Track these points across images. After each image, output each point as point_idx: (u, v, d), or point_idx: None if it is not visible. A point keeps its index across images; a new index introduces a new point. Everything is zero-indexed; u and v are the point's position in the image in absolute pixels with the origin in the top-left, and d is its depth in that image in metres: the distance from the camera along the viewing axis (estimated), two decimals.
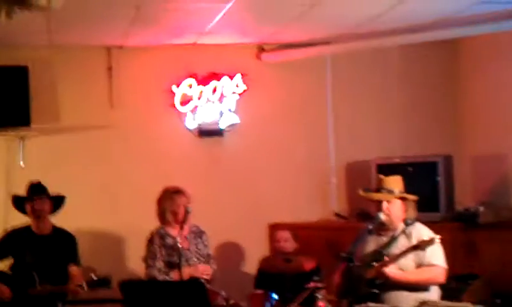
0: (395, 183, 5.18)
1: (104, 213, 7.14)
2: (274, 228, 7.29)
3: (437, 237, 4.94)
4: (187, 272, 5.85)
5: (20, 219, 6.26)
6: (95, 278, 5.76)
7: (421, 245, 4.92)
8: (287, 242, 6.72)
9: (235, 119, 7.43)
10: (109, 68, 7.24)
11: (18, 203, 6.19)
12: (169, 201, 6.13)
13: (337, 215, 7.57)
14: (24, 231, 6.14)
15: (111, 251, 7.14)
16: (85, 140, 7.16)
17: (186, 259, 5.96)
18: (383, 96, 7.72)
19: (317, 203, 7.63)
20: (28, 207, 6.10)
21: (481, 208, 6.54)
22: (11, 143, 7.02)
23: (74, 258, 6.15)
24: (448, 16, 6.40)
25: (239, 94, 7.41)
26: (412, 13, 6.28)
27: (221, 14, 6.08)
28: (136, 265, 6.63)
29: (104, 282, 5.77)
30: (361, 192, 5.33)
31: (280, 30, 6.86)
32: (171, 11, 5.95)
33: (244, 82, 7.40)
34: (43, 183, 6.18)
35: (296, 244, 6.75)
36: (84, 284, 5.76)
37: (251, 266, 7.19)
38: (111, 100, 7.24)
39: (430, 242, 4.88)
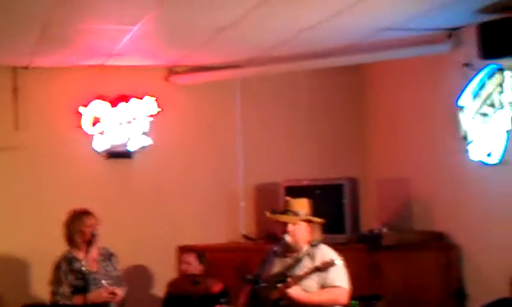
0: (301, 205, 5.25)
1: (9, 237, 6.98)
2: (183, 250, 7.28)
3: (338, 259, 5.04)
4: (91, 297, 5.77)
5: None
6: None
7: (323, 267, 5.00)
8: (192, 265, 6.73)
9: (147, 141, 7.40)
10: (15, 89, 7.11)
11: None
12: (77, 222, 6.05)
13: (245, 237, 7.62)
14: None
15: (16, 275, 7.00)
16: None
17: (95, 282, 5.89)
18: (291, 119, 7.84)
19: (226, 224, 7.67)
20: None
21: (385, 230, 6.69)
22: None
23: None
24: (354, 42, 6.56)
25: (149, 117, 7.39)
26: (318, 39, 6.40)
27: (129, 36, 6.06)
28: (41, 290, 6.49)
29: None
30: (268, 214, 5.39)
31: (189, 53, 6.89)
32: (79, 31, 5.88)
33: (156, 104, 7.39)
34: None
35: (201, 266, 6.76)
36: None
37: (159, 288, 7.16)
38: (17, 121, 7.10)
39: (331, 263, 4.98)
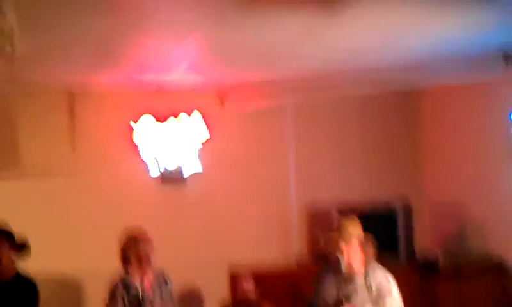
0: (353, 226, 5.23)
1: (65, 260, 7.05)
2: (235, 272, 7.29)
3: (393, 283, 5.00)
4: None
5: None
6: None
7: (379, 290, 4.96)
8: (250, 291, 6.73)
9: (199, 165, 7.44)
10: (71, 111, 7.23)
11: None
12: (133, 248, 6.05)
13: (297, 258, 7.60)
14: None
15: (72, 297, 7.09)
16: (46, 184, 7.10)
17: (150, 305, 5.91)
18: (343, 142, 7.83)
19: (279, 246, 7.67)
20: None
21: (440, 256, 6.60)
22: None
23: (34, 305, 6.05)
24: (407, 66, 6.53)
25: (202, 140, 7.43)
26: (372, 62, 6.38)
27: (183, 60, 6.13)
28: None
29: None
30: (320, 236, 5.38)
31: (241, 79, 6.94)
32: (132, 52, 5.96)
33: (207, 129, 7.43)
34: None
35: (256, 290, 6.75)
36: None
37: None
38: (73, 144, 7.22)
39: (388, 292, 4.94)
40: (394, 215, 7.01)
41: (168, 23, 5.21)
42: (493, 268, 6.45)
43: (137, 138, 7.21)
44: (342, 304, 5.07)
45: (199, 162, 7.38)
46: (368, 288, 5.07)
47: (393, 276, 5.11)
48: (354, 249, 5.17)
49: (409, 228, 7.08)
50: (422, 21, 5.17)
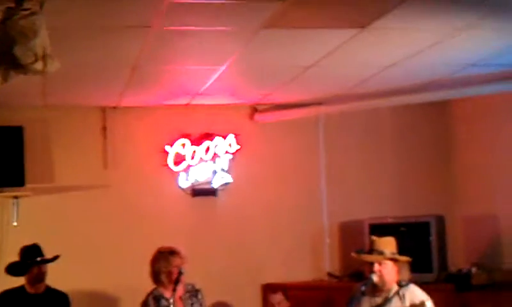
0: (387, 244, 5.17)
1: (97, 273, 7.11)
2: (267, 287, 7.27)
3: (429, 300, 4.94)
4: None
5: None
6: None
7: None
8: (281, 305, 6.71)
9: (228, 178, 7.47)
10: (104, 128, 7.30)
11: (14, 269, 6.13)
12: (164, 262, 6.04)
13: (330, 275, 7.56)
14: (17, 291, 6.10)
15: None
16: (79, 199, 7.18)
17: None
18: (375, 156, 7.78)
19: (310, 262, 7.64)
20: (28, 275, 6.05)
21: (474, 270, 6.53)
22: (5, 203, 7.00)
23: None
24: (439, 78, 6.49)
25: (232, 154, 7.46)
26: (403, 75, 6.36)
27: (215, 76, 6.17)
28: None
29: None
30: (353, 254, 5.33)
31: (272, 91, 6.95)
32: (166, 72, 6.03)
33: (237, 142, 7.46)
34: (37, 243, 6.14)
35: (288, 304, 6.73)
36: None
37: None
38: (105, 159, 7.28)
39: (420, 305, 4.88)
40: (427, 229, 6.95)
41: (201, 46, 5.26)
42: None
43: (171, 158, 7.29)
44: None
45: (229, 174, 7.42)
46: (402, 303, 5.02)
47: (429, 296, 5.03)
48: (387, 268, 5.11)
49: (442, 242, 7.01)
50: (454, 34, 5.13)
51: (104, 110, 7.29)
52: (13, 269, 6.10)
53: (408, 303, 4.98)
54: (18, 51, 3.57)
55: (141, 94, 6.81)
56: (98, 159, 7.28)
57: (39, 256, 6.07)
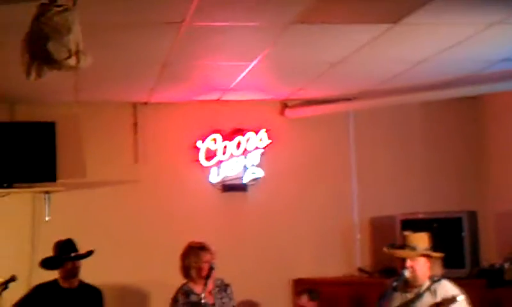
0: (419, 240, 5.13)
1: (128, 268, 7.17)
2: (297, 283, 7.27)
3: (461, 295, 4.89)
4: None
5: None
6: None
7: (445, 303, 4.87)
8: (311, 304, 6.70)
9: (259, 173, 7.48)
10: (135, 124, 7.35)
11: (49, 264, 6.20)
12: (194, 257, 6.08)
13: (361, 270, 7.54)
14: (51, 285, 6.16)
15: (136, 306, 7.14)
16: (110, 195, 7.24)
17: None
18: (405, 151, 7.75)
19: (341, 258, 7.63)
20: (62, 270, 6.12)
21: (506, 265, 6.48)
22: (37, 198, 7.09)
23: None
24: (469, 73, 6.44)
25: (263, 149, 7.46)
26: (434, 70, 6.33)
27: (246, 72, 6.18)
28: None
29: None
30: (385, 249, 5.30)
31: (302, 87, 6.95)
32: (196, 68, 6.06)
33: (268, 137, 7.46)
34: (71, 238, 6.19)
35: (314, 304, 6.71)
36: None
37: None
38: (136, 155, 7.33)
39: (453, 299, 4.84)
40: (459, 225, 6.91)
41: (232, 42, 5.27)
42: None
43: (202, 154, 7.31)
44: None
45: (261, 170, 7.43)
46: (434, 299, 4.98)
47: (462, 290, 4.99)
48: (420, 263, 5.08)
49: (474, 238, 6.97)
50: (485, 29, 5.09)
51: (134, 106, 7.33)
52: (47, 264, 6.16)
53: (439, 298, 4.95)
54: (51, 47, 3.61)
55: (171, 90, 6.84)
56: (128, 155, 7.33)
57: (73, 251, 6.12)
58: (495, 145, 7.53)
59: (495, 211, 7.32)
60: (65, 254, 6.10)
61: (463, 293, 4.94)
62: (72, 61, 3.68)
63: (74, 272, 6.12)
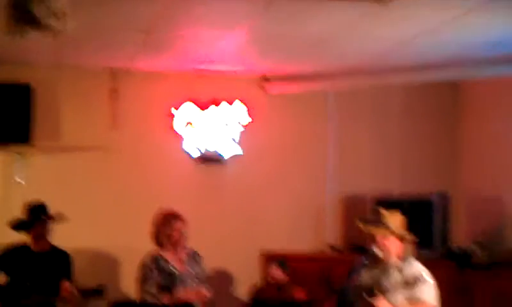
0: (394, 219, 5.17)
1: (100, 234, 7.16)
2: (267, 256, 7.32)
3: (429, 275, 4.97)
4: (179, 296, 5.85)
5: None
6: (88, 287, 5.77)
7: (412, 282, 4.94)
8: (276, 277, 6.75)
9: (237, 148, 7.49)
10: (113, 90, 7.30)
11: (19, 225, 6.18)
12: (166, 225, 6.11)
13: (331, 247, 7.60)
14: (21, 248, 6.14)
15: (106, 271, 7.16)
16: (86, 160, 7.21)
17: (182, 282, 5.96)
18: (383, 132, 7.80)
19: (312, 233, 7.68)
20: (32, 231, 6.10)
21: (475, 248, 6.56)
22: (10, 159, 7.04)
23: (68, 275, 6.14)
24: (451, 57, 6.48)
25: (241, 123, 7.46)
26: (416, 52, 6.35)
27: (227, 43, 6.16)
28: (130, 287, 6.63)
29: (97, 291, 5.77)
30: (359, 224, 5.33)
31: (283, 62, 6.94)
32: (178, 38, 6.02)
33: (247, 112, 7.46)
34: (43, 201, 6.17)
35: (285, 275, 6.77)
36: (77, 293, 5.77)
37: (241, 293, 7.26)
38: (114, 121, 7.29)
39: (421, 280, 4.91)
40: (431, 206, 6.98)
41: (215, 13, 5.24)
42: None
43: (178, 122, 7.29)
44: (373, 290, 5.05)
45: (239, 145, 7.44)
46: (402, 276, 5.05)
47: (429, 271, 5.06)
48: (392, 242, 5.13)
49: (445, 220, 7.05)
50: (465, 13, 5.12)
51: (114, 72, 7.27)
52: (18, 225, 6.14)
53: (408, 277, 5.01)
54: (36, 8, 3.58)
55: (152, 59, 6.81)
56: (106, 121, 7.28)
57: (44, 214, 6.10)
58: (471, 131, 7.61)
59: (468, 195, 7.41)
60: (36, 217, 6.08)
61: (430, 275, 5.01)
62: (56, 24, 3.66)
63: (44, 234, 6.11)
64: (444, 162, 7.77)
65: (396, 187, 7.45)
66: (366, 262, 5.16)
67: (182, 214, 6.20)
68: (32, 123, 6.91)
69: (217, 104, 7.40)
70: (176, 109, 7.33)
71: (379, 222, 5.16)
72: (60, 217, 6.13)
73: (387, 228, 5.12)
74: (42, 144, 7.02)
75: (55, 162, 7.14)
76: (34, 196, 6.27)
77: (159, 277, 5.98)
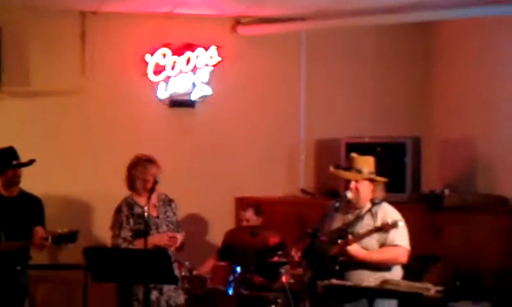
0: (365, 163, 5.17)
1: (71, 179, 7.15)
2: (240, 201, 7.33)
3: (400, 218, 4.99)
4: (152, 241, 5.84)
5: None
6: (60, 232, 5.73)
7: (385, 228, 4.96)
8: (250, 220, 6.76)
9: (208, 90, 7.44)
10: (82, 33, 7.19)
11: None
12: (141, 169, 6.02)
13: (304, 191, 7.62)
14: None
15: (78, 217, 7.09)
16: (55, 105, 7.14)
17: (156, 227, 5.94)
18: (355, 75, 7.76)
19: (285, 178, 7.70)
20: (2, 177, 6.03)
21: (446, 191, 6.60)
22: None
23: (40, 221, 6.09)
24: None
25: (213, 66, 7.40)
26: None
27: None
28: (102, 232, 6.60)
29: (69, 236, 5.73)
30: (331, 169, 5.32)
31: (256, 4, 6.86)
32: None
33: (219, 55, 7.39)
34: (13, 146, 6.09)
35: (258, 219, 6.78)
36: (50, 238, 5.73)
37: (216, 237, 7.24)
38: (83, 66, 7.20)
39: (393, 225, 4.93)
40: (403, 150, 7.01)
41: None
42: (499, 205, 6.44)
43: (150, 67, 7.21)
44: (345, 234, 5.07)
45: (209, 87, 7.39)
46: (374, 221, 5.07)
47: (401, 214, 5.08)
48: (364, 186, 5.13)
49: (417, 163, 7.08)
50: None
51: (83, 14, 7.16)
52: None
53: (379, 221, 5.03)
54: None
55: (122, 0, 6.68)
56: (75, 65, 7.20)
57: (14, 159, 6.04)
58: (443, 73, 7.60)
59: (439, 138, 7.43)
60: (6, 162, 6.01)
61: (402, 218, 5.03)
62: None
63: (15, 180, 6.05)
64: (416, 105, 7.76)
65: (369, 131, 7.45)
66: (338, 206, 5.17)
67: (156, 159, 6.16)
68: (1, 67, 6.78)
69: (191, 50, 7.33)
70: (149, 54, 7.24)
71: (350, 166, 5.17)
72: (30, 162, 6.06)
73: (358, 171, 5.12)
74: (11, 89, 6.92)
75: (24, 106, 7.07)
76: (4, 142, 6.17)
77: (133, 222, 5.95)
